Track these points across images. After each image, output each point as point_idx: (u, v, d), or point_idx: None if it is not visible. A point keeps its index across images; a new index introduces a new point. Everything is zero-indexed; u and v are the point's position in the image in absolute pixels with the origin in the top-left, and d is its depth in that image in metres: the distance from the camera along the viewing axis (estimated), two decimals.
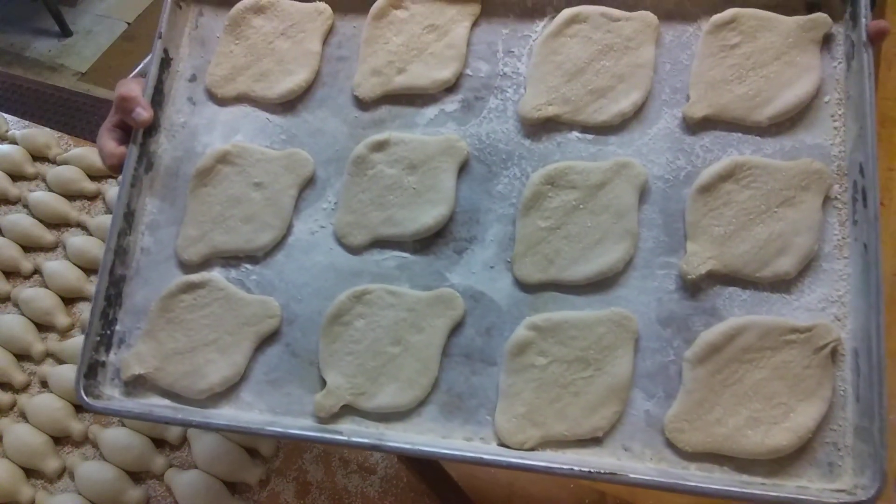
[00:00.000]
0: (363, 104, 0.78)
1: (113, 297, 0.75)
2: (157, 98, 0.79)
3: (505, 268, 0.72)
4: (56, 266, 1.15)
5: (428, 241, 0.74)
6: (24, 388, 1.08)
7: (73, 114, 1.46)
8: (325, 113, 0.79)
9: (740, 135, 0.71)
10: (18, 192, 1.26)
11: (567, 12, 0.75)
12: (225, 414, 0.71)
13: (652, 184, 0.71)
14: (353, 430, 0.68)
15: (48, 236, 1.20)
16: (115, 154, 0.77)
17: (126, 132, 0.79)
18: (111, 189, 1.24)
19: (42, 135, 1.31)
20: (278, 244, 0.76)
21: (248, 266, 0.76)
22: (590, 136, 0.74)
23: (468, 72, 0.78)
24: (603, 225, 0.70)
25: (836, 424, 0.63)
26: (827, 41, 0.71)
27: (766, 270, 0.66)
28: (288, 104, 0.80)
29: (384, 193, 0.74)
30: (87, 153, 1.27)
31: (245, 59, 0.81)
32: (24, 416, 1.05)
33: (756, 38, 0.72)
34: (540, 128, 0.75)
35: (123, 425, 1.01)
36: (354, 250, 0.74)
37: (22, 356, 1.10)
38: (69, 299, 1.15)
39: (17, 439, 1.00)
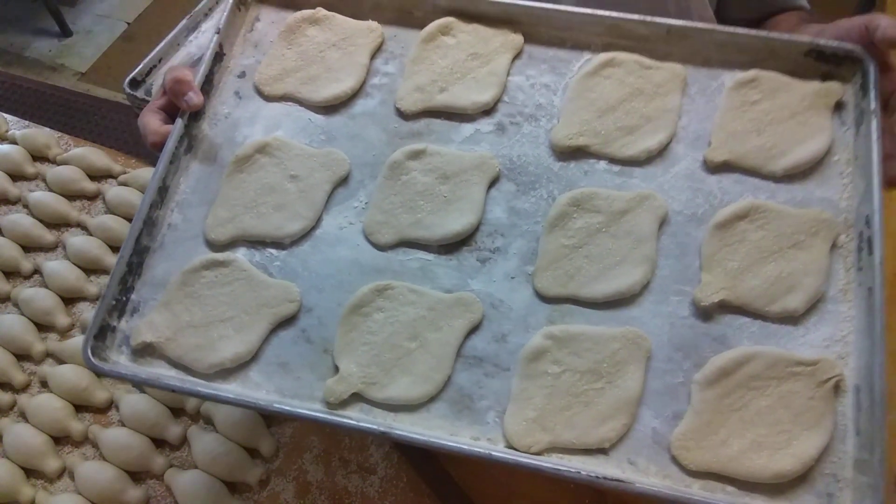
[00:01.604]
0: (404, 116, 0.82)
1: (134, 266, 0.75)
2: (206, 87, 0.83)
3: (525, 280, 0.74)
4: (56, 266, 1.14)
5: (452, 248, 0.76)
6: (24, 388, 1.07)
7: (73, 114, 1.49)
8: (366, 120, 0.83)
9: (756, 181, 0.76)
10: (18, 192, 1.26)
11: (604, 56, 0.82)
12: (232, 389, 0.70)
13: (671, 217, 0.75)
14: (361, 418, 0.68)
15: (48, 236, 1.20)
16: (160, 132, 0.79)
17: (170, 115, 0.81)
18: (111, 189, 1.25)
19: (42, 135, 1.33)
20: (306, 235, 0.77)
21: (272, 252, 0.77)
22: (616, 168, 0.78)
23: (506, 98, 0.83)
24: (623, 249, 0.73)
25: (835, 457, 0.65)
26: (838, 107, 0.78)
27: (776, 306, 0.70)
28: (331, 108, 0.84)
29: (415, 198, 0.77)
30: (87, 153, 1.29)
31: (295, 62, 0.85)
32: (24, 416, 1.03)
33: (775, 97, 0.78)
34: (569, 156, 0.79)
35: (123, 425, 0.99)
36: (380, 248, 0.76)
37: (22, 356, 1.09)
38: (69, 299, 1.14)
39: (17, 439, 0.98)
